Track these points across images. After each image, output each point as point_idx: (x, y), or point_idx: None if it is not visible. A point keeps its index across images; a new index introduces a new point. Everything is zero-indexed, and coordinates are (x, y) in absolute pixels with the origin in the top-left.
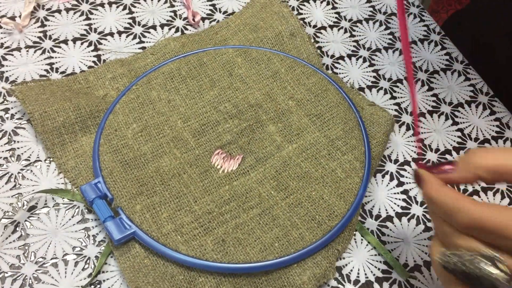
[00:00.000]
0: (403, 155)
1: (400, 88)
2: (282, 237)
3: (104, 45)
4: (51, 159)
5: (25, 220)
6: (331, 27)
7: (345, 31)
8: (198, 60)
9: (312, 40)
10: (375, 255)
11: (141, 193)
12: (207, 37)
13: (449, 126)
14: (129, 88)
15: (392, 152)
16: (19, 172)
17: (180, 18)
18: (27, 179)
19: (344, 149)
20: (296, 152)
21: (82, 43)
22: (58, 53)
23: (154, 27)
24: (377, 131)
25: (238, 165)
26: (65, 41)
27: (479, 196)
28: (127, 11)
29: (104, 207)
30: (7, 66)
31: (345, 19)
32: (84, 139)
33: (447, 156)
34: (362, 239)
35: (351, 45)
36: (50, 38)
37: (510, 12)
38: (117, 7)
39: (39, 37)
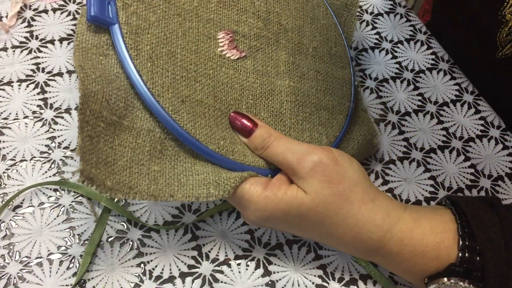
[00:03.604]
0: (388, 154)
1: (386, 88)
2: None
3: None
4: None
5: (10, 220)
6: None
7: None
8: None
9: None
10: None
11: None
12: None
13: (434, 125)
14: None
15: (377, 151)
16: (4, 172)
17: None
18: (12, 178)
19: (324, 119)
20: (287, 90)
21: (69, 43)
22: (44, 53)
23: None
24: (354, 130)
25: (237, 59)
26: (52, 41)
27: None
28: None
29: None
30: None
31: None
32: None
33: (432, 155)
34: None
35: None
36: (36, 38)
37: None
38: None
39: (26, 37)
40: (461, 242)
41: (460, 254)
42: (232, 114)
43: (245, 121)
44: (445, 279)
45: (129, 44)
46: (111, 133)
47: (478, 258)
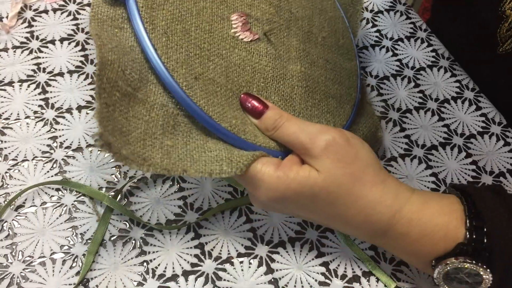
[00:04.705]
0: (390, 151)
1: (387, 85)
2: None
3: (91, 44)
4: None
5: (13, 219)
6: None
7: None
8: None
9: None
10: (362, 250)
11: None
12: None
13: (436, 122)
14: None
15: (379, 148)
16: (6, 172)
17: None
18: (15, 178)
19: (332, 108)
20: (299, 75)
21: (69, 43)
22: (45, 53)
23: None
24: (360, 122)
25: (250, 41)
26: (52, 41)
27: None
28: None
29: None
30: None
31: None
32: None
33: (433, 151)
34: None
35: None
36: (37, 38)
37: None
38: None
39: (26, 38)
40: (468, 223)
41: (468, 234)
42: (242, 95)
43: (255, 103)
44: (453, 258)
45: (145, 18)
46: (125, 103)
47: (485, 239)
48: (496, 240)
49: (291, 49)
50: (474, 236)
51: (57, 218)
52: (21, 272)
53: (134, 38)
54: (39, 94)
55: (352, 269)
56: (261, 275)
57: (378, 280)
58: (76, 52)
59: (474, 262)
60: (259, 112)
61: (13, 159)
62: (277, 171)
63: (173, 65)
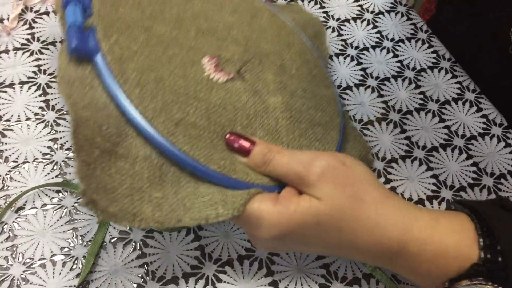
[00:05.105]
0: (391, 153)
1: (387, 86)
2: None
3: None
4: None
5: (13, 221)
6: None
7: (333, 30)
8: None
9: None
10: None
11: (121, 30)
12: None
13: (436, 123)
14: None
15: (379, 150)
16: (7, 174)
17: None
18: (15, 180)
19: (319, 135)
20: (281, 106)
21: None
22: (46, 54)
23: None
24: (348, 147)
25: (226, 81)
26: (53, 43)
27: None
28: None
29: (78, 13)
30: None
31: (333, 18)
32: None
33: (434, 153)
34: None
35: (338, 44)
36: (38, 40)
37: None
38: None
39: (27, 39)
40: (482, 242)
41: (483, 254)
42: (227, 136)
43: (241, 141)
44: (467, 280)
45: (115, 71)
46: (107, 160)
47: (500, 258)
48: (510, 257)
49: (268, 82)
50: (488, 256)
51: (58, 220)
52: (21, 274)
53: (107, 94)
54: (40, 96)
55: (353, 271)
56: (262, 277)
57: (378, 282)
58: None
59: (490, 283)
60: (246, 151)
61: (13, 161)
62: (277, 206)
63: (151, 114)
